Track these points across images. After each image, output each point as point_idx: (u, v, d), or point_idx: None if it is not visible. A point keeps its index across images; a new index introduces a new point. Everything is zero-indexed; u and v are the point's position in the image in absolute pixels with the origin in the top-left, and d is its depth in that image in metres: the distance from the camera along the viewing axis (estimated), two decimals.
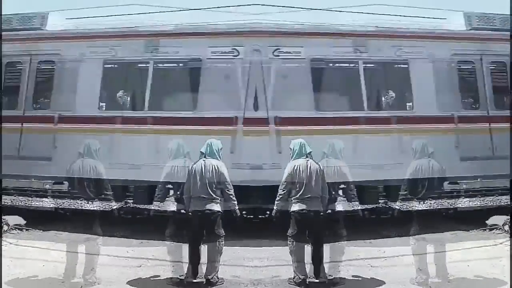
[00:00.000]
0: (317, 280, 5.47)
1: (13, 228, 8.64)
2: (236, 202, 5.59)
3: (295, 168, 5.52)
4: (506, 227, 8.46)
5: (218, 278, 5.51)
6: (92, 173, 5.79)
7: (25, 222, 9.03)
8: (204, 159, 5.59)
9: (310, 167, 5.51)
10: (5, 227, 8.43)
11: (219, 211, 5.47)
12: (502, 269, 5.84)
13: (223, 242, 5.61)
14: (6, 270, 5.76)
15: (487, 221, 9.27)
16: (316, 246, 5.56)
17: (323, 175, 5.62)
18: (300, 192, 5.45)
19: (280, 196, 5.54)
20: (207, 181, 5.44)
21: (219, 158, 5.67)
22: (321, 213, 5.53)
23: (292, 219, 5.52)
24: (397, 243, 7.99)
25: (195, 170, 5.53)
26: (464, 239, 8.09)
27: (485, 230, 8.85)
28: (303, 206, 5.42)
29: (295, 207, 5.48)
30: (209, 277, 5.45)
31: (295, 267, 5.51)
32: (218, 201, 5.51)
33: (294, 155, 5.70)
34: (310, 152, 5.72)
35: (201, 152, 5.69)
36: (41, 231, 8.89)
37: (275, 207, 5.60)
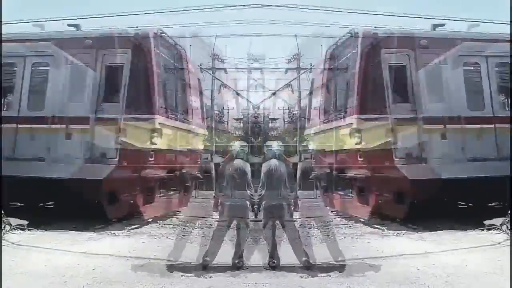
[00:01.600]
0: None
1: (15, 228, 8.71)
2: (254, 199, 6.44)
3: (270, 167, 6.41)
4: (504, 227, 8.51)
5: (242, 262, 6.23)
6: None
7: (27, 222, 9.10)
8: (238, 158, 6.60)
9: (279, 165, 6.45)
10: (7, 227, 8.48)
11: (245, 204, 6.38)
12: (500, 269, 5.87)
13: (247, 231, 6.43)
14: (8, 269, 5.80)
15: (485, 221, 9.35)
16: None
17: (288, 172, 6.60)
18: (272, 187, 6.33)
19: (260, 194, 6.41)
20: (236, 178, 6.35)
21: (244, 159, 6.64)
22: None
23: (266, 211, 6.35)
24: (396, 243, 8.10)
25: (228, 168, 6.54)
26: (462, 239, 8.15)
27: (483, 230, 8.92)
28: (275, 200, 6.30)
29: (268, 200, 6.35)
30: (236, 261, 6.19)
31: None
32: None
33: (267, 156, 6.65)
34: (280, 152, 6.69)
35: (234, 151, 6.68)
36: (44, 231, 8.99)
37: (256, 205, 6.44)
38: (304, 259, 6.18)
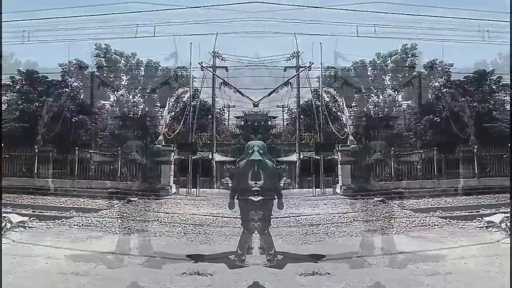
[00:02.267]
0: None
1: (16, 226, 8.74)
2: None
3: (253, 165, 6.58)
4: (503, 225, 8.55)
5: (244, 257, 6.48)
6: None
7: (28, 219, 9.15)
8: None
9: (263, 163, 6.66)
10: (8, 225, 8.51)
11: None
12: (499, 267, 5.92)
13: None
14: (10, 267, 5.84)
15: (484, 219, 9.42)
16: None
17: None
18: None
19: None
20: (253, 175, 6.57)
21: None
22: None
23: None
24: (395, 241, 8.14)
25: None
26: (461, 237, 8.19)
27: (482, 228, 8.98)
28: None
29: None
30: (240, 253, 6.51)
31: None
32: None
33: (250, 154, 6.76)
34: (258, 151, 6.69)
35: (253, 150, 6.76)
36: (45, 228, 9.05)
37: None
38: (271, 252, 6.45)
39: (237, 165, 6.93)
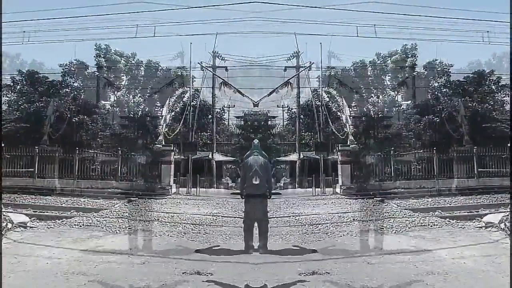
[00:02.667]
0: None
1: (17, 226, 8.77)
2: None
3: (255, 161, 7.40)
4: (502, 225, 8.57)
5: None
6: None
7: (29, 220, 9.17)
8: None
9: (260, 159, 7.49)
10: (9, 225, 8.54)
11: None
12: (497, 267, 5.94)
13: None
14: (11, 267, 5.87)
15: (483, 219, 9.45)
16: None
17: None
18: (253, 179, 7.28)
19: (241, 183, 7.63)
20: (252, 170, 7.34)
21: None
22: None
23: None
24: (394, 240, 8.17)
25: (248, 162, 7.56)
26: (460, 237, 8.23)
27: (481, 228, 9.02)
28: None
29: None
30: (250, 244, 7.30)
31: None
32: None
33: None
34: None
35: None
36: (46, 228, 9.08)
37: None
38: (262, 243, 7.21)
39: (244, 161, 7.67)
